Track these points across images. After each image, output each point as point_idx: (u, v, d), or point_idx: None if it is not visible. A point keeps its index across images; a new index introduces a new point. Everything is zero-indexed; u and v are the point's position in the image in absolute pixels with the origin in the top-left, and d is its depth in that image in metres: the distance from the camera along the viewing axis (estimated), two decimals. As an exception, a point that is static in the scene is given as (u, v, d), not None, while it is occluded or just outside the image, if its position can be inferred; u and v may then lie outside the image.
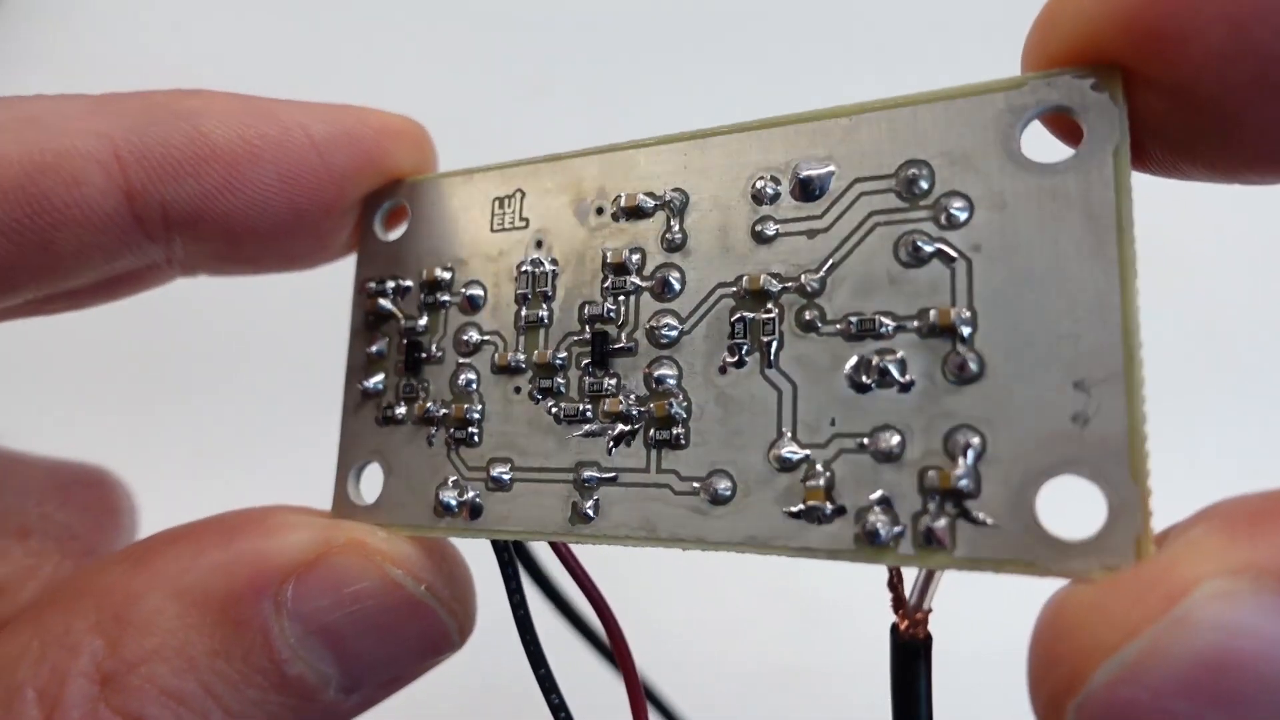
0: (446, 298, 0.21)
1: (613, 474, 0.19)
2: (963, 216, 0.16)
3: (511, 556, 0.21)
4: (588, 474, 0.19)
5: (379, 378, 0.22)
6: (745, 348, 0.18)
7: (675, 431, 0.18)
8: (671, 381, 0.18)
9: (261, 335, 0.48)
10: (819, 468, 0.17)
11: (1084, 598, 0.14)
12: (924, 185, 0.17)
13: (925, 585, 0.16)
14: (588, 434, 0.19)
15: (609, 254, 0.19)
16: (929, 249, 0.16)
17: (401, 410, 0.21)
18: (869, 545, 0.16)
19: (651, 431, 0.18)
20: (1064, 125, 0.16)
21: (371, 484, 0.22)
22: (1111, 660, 0.13)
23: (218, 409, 0.47)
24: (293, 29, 0.56)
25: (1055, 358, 0.15)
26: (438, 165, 0.23)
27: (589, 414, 0.19)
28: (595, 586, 0.21)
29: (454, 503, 0.20)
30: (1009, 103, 0.16)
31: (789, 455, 0.17)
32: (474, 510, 0.20)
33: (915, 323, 0.16)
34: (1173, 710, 0.12)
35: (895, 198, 0.17)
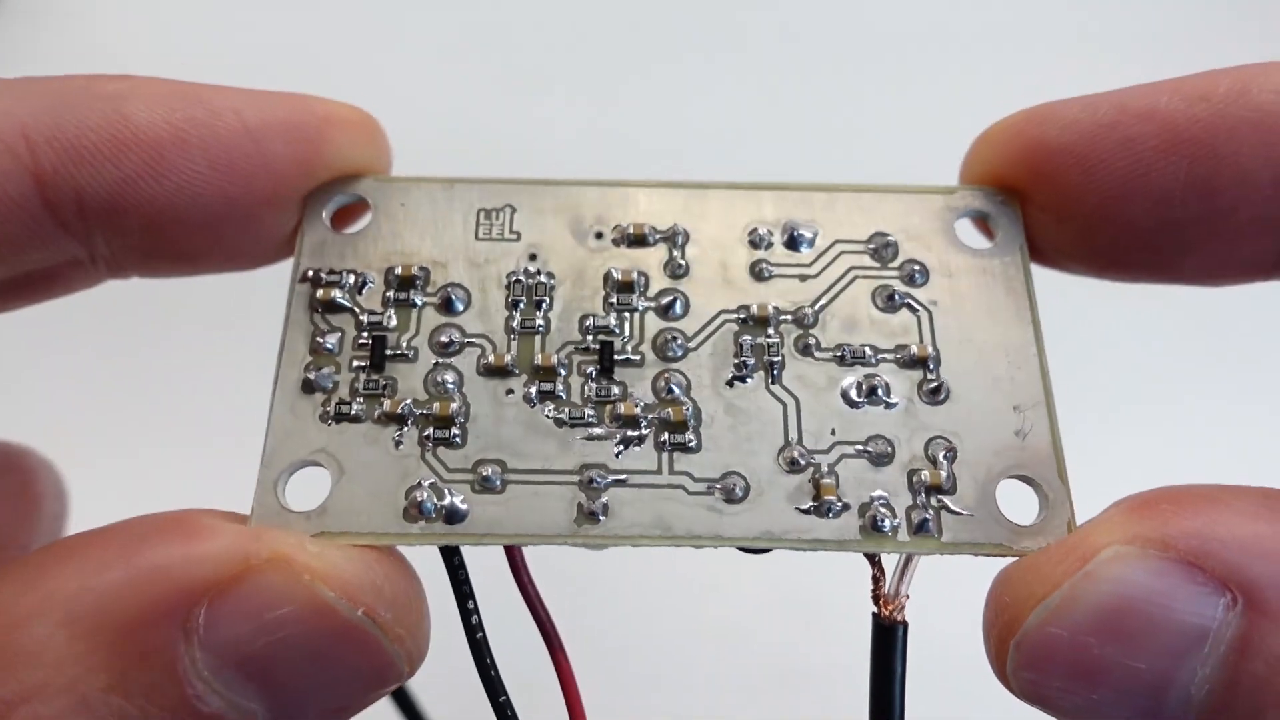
0: (420, 297, 0.20)
1: (622, 476, 0.19)
2: (922, 279, 0.21)
3: (466, 573, 0.20)
4: (595, 476, 0.19)
5: (327, 371, 0.20)
6: (750, 366, 0.20)
7: (687, 436, 0.19)
8: (679, 391, 0.20)
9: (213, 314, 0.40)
10: (825, 469, 0.19)
11: (1024, 562, 0.18)
12: (891, 252, 0.21)
13: (903, 574, 0.19)
14: (593, 437, 0.19)
15: (617, 273, 0.21)
16: (899, 300, 0.21)
17: (360, 407, 0.19)
18: (873, 534, 0.19)
19: (664, 436, 0.19)
20: (982, 226, 0.22)
21: (307, 488, 0.19)
22: (1040, 606, 0.17)
23: (169, 390, 0.38)
24: (298, 28, 0.52)
25: (999, 388, 0.20)
26: (392, 158, 0.22)
27: (593, 418, 0.19)
28: (540, 599, 0.20)
29: (431, 506, 0.18)
30: (947, 203, 0.22)
31: (798, 459, 0.19)
32: (451, 515, 0.19)
33: (894, 355, 0.20)
34: (1084, 643, 0.17)
35: (869, 258, 0.21)
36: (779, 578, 0.35)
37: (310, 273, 0.21)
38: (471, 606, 0.19)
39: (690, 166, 0.23)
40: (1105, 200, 0.20)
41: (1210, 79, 0.19)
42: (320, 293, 0.20)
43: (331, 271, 0.21)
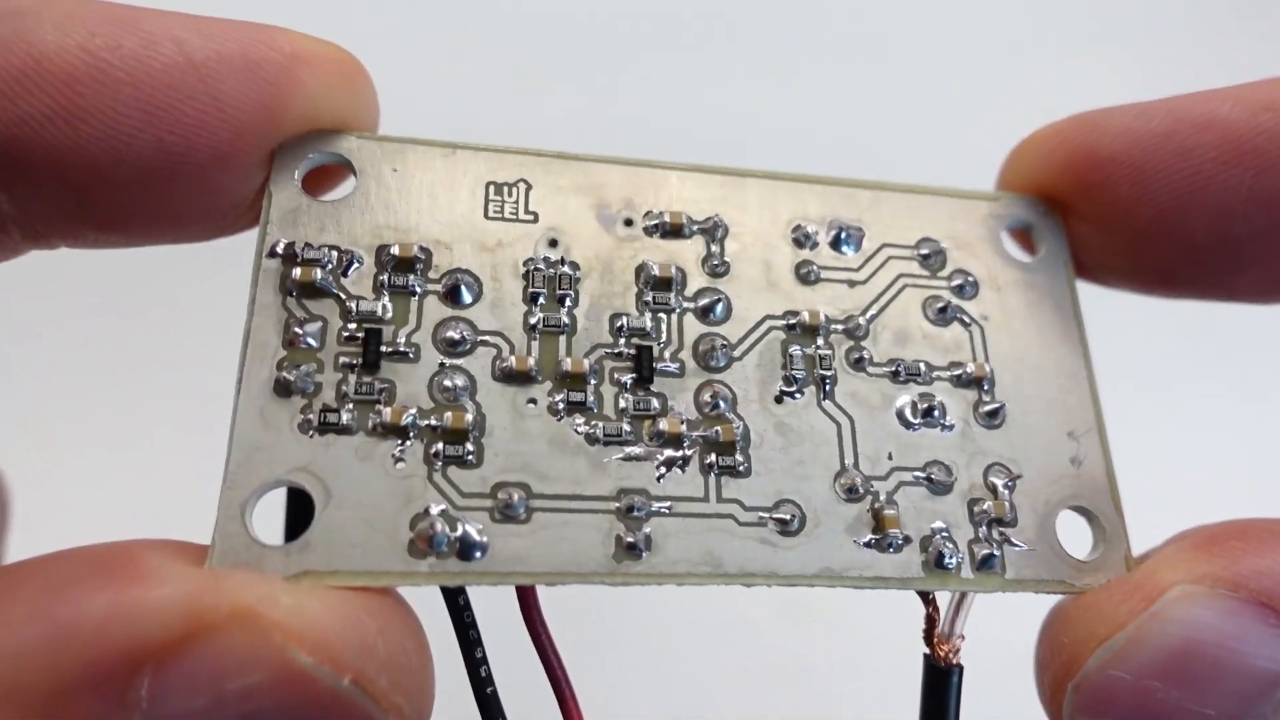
0: (419, 284, 0.17)
1: (666, 503, 0.16)
2: (972, 291, 0.19)
3: (473, 615, 0.17)
4: (635, 503, 0.16)
5: (306, 369, 0.16)
6: (801, 379, 0.18)
7: (737, 458, 0.17)
8: (725, 406, 0.17)
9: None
10: (884, 497, 0.17)
11: (1082, 600, 0.17)
12: (940, 260, 0.19)
13: (957, 612, 0.18)
14: (630, 457, 0.17)
15: (654, 267, 0.18)
16: (951, 313, 0.19)
17: (350, 415, 0.16)
18: (937, 571, 0.17)
19: (711, 457, 0.17)
20: (1022, 239, 0.21)
21: (272, 516, 0.15)
22: (1102, 647, 0.16)
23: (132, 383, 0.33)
24: (300, 22, 0.42)
25: (1052, 412, 0.19)
26: (379, 111, 0.19)
27: (630, 435, 0.17)
28: (553, 644, 0.17)
29: (444, 538, 0.15)
30: (991, 210, 0.20)
31: (857, 485, 0.17)
32: (466, 549, 0.15)
33: (948, 372, 0.19)
34: (1149, 687, 0.16)
35: (918, 265, 0.19)
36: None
37: (281, 247, 0.17)
38: (480, 655, 0.16)
39: (708, 155, 0.20)
40: (1158, 214, 0.19)
41: (1276, 86, 0.18)
42: (298, 272, 0.16)
43: (309, 246, 0.17)
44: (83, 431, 0.38)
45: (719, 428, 0.17)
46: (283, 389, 0.16)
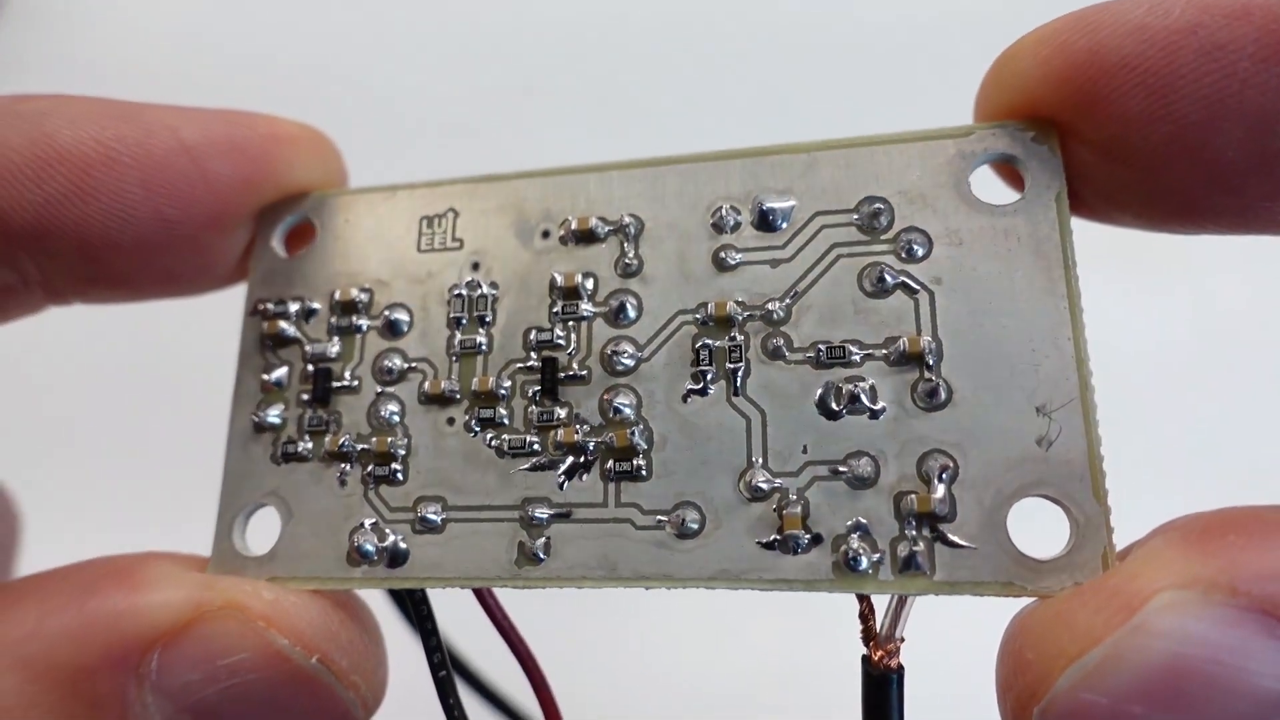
0: (364, 321, 0.19)
1: (565, 510, 0.17)
2: (922, 251, 0.17)
3: (429, 609, 0.19)
4: (536, 511, 0.17)
5: (277, 409, 0.19)
6: (710, 375, 0.17)
7: (636, 462, 0.17)
8: (629, 410, 0.17)
9: (160, 356, 0.42)
10: (793, 495, 0.16)
11: (1050, 608, 0.14)
12: (884, 220, 0.17)
13: (897, 614, 0.16)
14: (535, 467, 0.18)
15: (560, 278, 0.18)
16: (892, 280, 0.17)
17: (306, 445, 0.19)
18: (848, 573, 0.16)
19: (610, 463, 0.17)
20: (1008, 173, 0.17)
21: (264, 531, 0.19)
22: (1074, 666, 0.13)
23: (114, 432, 0.41)
24: (297, 32, 0.52)
25: (1017, 385, 0.16)
26: (348, 177, 0.21)
27: (536, 446, 0.18)
28: (521, 638, 0.19)
29: (373, 548, 0.18)
30: (959, 149, 0.17)
31: (761, 484, 0.16)
32: (395, 557, 0.18)
33: (883, 351, 0.17)
34: (1129, 713, 0.13)
35: (857, 231, 0.17)
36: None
37: (260, 305, 0.20)
38: (435, 643, 0.19)
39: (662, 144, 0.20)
40: (1181, 129, 0.15)
41: None
42: (266, 325, 0.20)
43: (279, 301, 0.20)
44: (98, 452, 0.45)
45: (613, 434, 0.17)
46: (258, 427, 0.19)
